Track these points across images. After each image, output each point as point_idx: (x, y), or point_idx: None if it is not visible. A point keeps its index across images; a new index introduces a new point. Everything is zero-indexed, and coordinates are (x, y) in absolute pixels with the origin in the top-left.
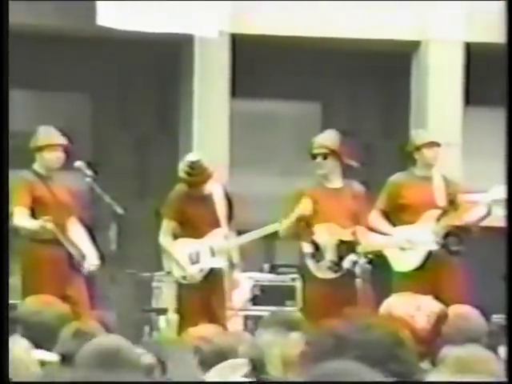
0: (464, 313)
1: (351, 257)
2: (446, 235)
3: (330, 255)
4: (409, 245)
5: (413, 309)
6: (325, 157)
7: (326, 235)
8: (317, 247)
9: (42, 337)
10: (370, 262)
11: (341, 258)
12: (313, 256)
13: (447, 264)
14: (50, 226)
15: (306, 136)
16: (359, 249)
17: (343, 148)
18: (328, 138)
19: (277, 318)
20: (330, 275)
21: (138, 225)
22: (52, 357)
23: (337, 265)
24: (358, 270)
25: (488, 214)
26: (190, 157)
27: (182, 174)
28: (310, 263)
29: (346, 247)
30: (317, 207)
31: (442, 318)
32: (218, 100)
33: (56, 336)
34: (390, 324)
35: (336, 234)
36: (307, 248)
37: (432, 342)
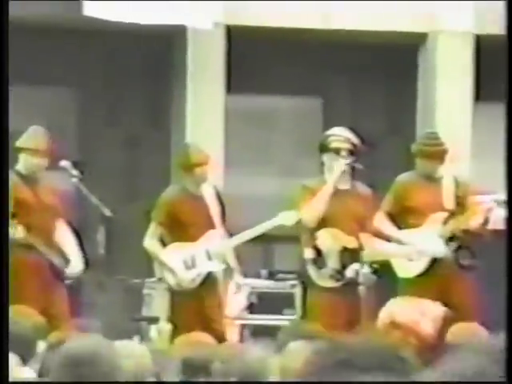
0: (470, 329)
1: (355, 266)
2: (457, 248)
3: (332, 263)
4: (417, 256)
5: (417, 314)
6: (351, 152)
7: (330, 241)
8: (319, 253)
9: (16, 349)
10: (375, 271)
11: (344, 266)
12: (314, 262)
13: (455, 269)
14: (19, 231)
15: (306, 134)
16: (364, 257)
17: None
18: (349, 134)
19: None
20: (332, 284)
21: (128, 228)
22: (30, 373)
23: (339, 273)
24: (361, 278)
25: (488, 219)
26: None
27: (176, 160)
28: (311, 270)
29: (350, 255)
30: None
31: (447, 322)
32: (212, 95)
33: (31, 348)
34: (393, 338)
35: (340, 241)
36: (309, 253)
37: (438, 347)
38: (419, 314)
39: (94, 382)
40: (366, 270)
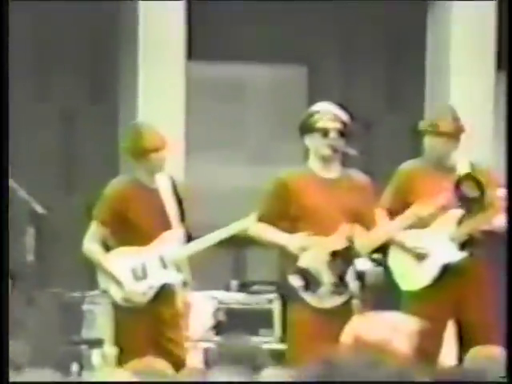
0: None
1: (353, 267)
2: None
3: (326, 277)
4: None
5: (388, 330)
6: (341, 133)
7: (313, 255)
8: (306, 276)
9: None
10: (379, 263)
11: (341, 275)
12: (306, 289)
13: (472, 278)
14: None
15: (286, 110)
16: (360, 251)
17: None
18: (339, 111)
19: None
20: (336, 301)
21: (64, 228)
22: None
23: (339, 285)
24: (368, 278)
25: None
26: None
27: (124, 144)
28: (306, 296)
29: (342, 258)
30: (304, 202)
31: (424, 337)
32: (169, 62)
33: None
34: (400, 360)
35: (324, 248)
36: (296, 281)
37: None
38: (390, 329)
39: (95, 382)
40: (367, 265)
